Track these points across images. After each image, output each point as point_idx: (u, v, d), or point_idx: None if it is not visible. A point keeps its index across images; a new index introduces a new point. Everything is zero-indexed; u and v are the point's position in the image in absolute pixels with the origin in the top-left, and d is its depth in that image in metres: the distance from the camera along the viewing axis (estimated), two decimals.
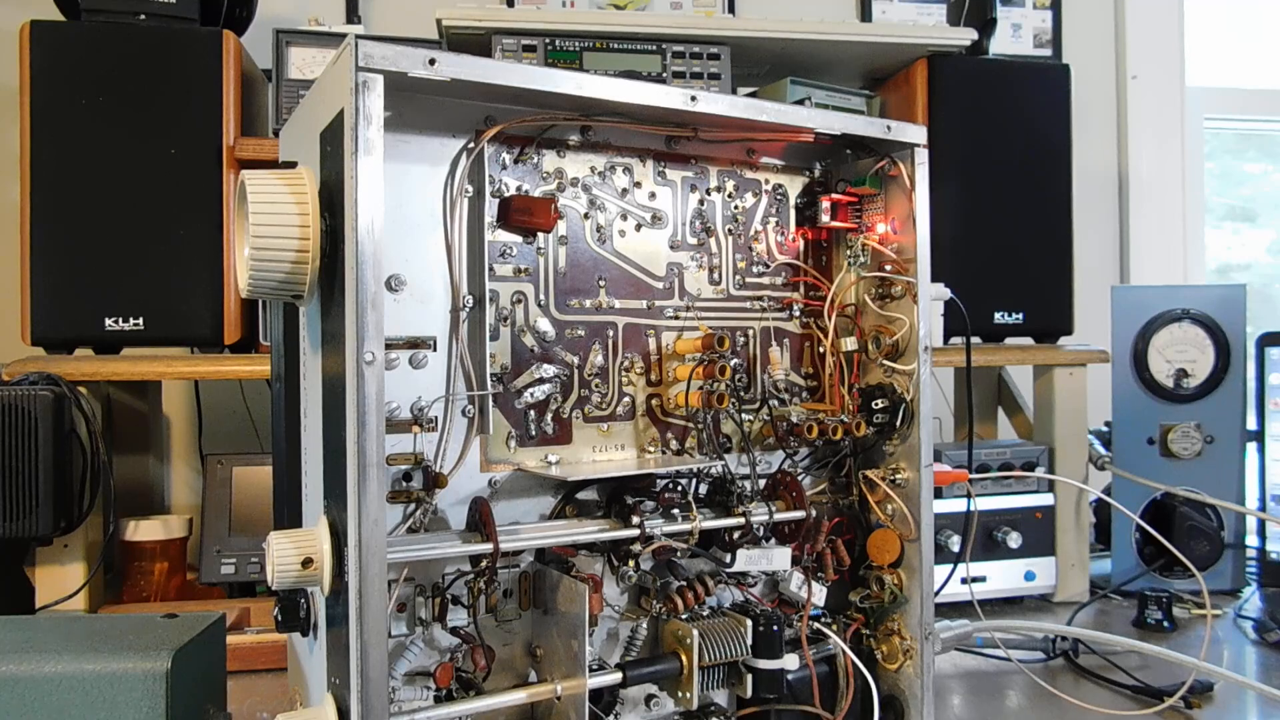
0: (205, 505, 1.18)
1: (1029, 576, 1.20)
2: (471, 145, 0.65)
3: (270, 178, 0.57)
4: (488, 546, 0.61)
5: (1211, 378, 1.27)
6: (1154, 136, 1.84)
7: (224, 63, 1.08)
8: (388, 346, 0.61)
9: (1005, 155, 1.25)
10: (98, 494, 1.04)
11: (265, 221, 0.55)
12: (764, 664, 0.70)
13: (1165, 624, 1.11)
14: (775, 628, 0.71)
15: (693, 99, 0.67)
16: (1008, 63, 1.38)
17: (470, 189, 0.66)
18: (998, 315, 1.25)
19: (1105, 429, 1.35)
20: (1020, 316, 1.25)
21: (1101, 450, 1.29)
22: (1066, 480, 1.22)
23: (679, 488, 0.72)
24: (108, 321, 1.04)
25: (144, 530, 1.12)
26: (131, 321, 1.04)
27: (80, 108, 1.04)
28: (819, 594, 0.78)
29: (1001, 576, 1.19)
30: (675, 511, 0.69)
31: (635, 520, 0.67)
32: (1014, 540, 1.18)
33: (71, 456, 1.01)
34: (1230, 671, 0.92)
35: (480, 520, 0.62)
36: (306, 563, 0.55)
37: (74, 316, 1.04)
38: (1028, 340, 1.30)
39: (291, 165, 0.66)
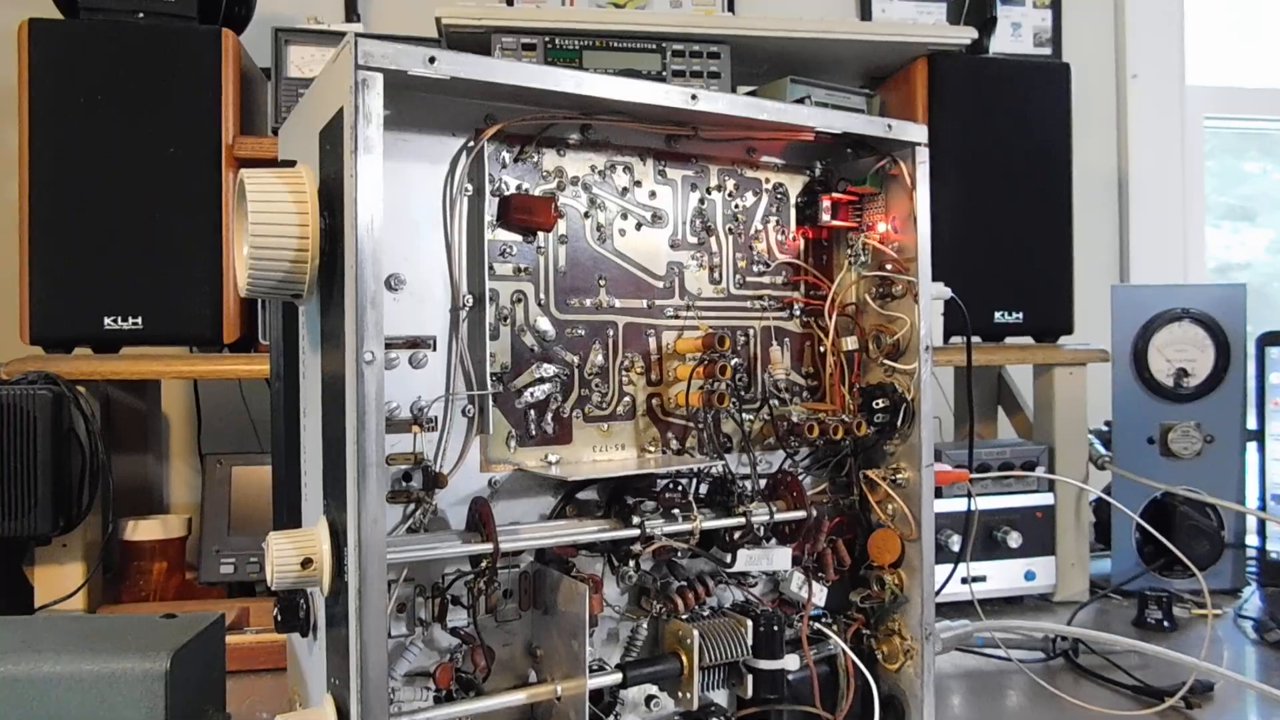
0: (204, 505, 1.18)
1: (1029, 576, 1.20)
2: (471, 144, 0.65)
3: (269, 176, 0.57)
4: (488, 547, 0.61)
5: (1211, 377, 1.27)
6: (1154, 136, 1.83)
7: (223, 61, 1.08)
8: (387, 346, 0.61)
9: (1005, 154, 1.25)
10: (96, 493, 1.04)
11: (264, 220, 0.55)
12: (764, 664, 0.70)
13: (1165, 624, 1.11)
14: (776, 628, 0.70)
15: (693, 97, 0.66)
16: (1008, 62, 1.38)
17: (470, 188, 0.66)
18: (998, 314, 1.24)
19: (1105, 428, 1.34)
20: (1020, 316, 1.25)
21: (1101, 450, 1.29)
22: (1066, 480, 1.21)
23: (679, 488, 0.72)
24: (106, 321, 1.04)
25: (143, 530, 1.11)
26: (130, 320, 1.04)
27: (79, 106, 1.04)
28: (819, 594, 0.78)
29: (1001, 576, 1.19)
30: (675, 511, 0.69)
31: (635, 520, 0.66)
32: (1014, 540, 1.18)
33: (70, 456, 1.00)
34: (1230, 671, 0.91)
35: (480, 520, 0.62)
36: (306, 563, 0.55)
37: (73, 315, 1.04)
38: (1028, 340, 1.30)
39: (291, 164, 0.65)
